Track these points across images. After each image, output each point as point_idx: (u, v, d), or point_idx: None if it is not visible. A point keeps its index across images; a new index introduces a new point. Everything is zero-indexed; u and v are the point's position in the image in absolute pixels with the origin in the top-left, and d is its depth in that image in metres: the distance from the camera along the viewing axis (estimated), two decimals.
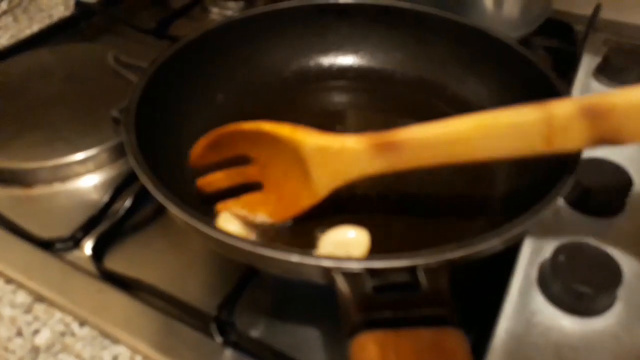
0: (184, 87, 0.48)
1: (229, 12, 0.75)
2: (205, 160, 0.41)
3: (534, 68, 0.45)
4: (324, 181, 0.38)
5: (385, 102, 0.52)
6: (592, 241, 0.41)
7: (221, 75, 0.51)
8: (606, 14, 0.64)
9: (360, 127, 0.48)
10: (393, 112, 0.52)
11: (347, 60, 0.54)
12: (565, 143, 0.34)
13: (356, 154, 0.37)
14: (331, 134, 0.38)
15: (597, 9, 0.63)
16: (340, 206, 0.41)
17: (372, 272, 0.29)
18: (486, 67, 0.49)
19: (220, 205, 0.41)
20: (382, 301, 0.28)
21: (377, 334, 0.27)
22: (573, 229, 0.43)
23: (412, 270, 0.30)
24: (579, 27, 0.65)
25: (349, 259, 0.30)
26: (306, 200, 0.39)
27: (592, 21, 0.62)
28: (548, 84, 0.43)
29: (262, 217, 0.41)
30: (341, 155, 0.37)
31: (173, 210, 0.33)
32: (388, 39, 0.53)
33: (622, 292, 0.38)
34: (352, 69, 0.54)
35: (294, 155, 0.38)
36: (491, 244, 0.31)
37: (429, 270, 0.30)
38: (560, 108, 0.33)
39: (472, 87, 0.49)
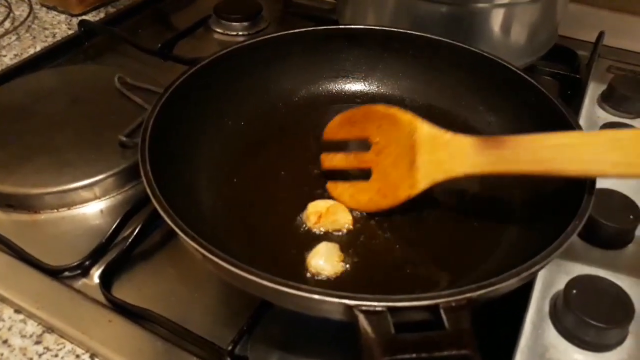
0: (194, 114, 0.48)
1: (232, 33, 0.75)
2: (337, 135, 0.46)
3: (544, 98, 0.45)
4: (427, 170, 0.40)
5: None
6: (604, 273, 0.41)
7: (231, 101, 0.51)
8: (609, 40, 0.65)
9: (367, 150, 0.49)
10: None
11: (356, 86, 0.54)
12: None
13: (463, 146, 0.39)
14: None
15: (601, 35, 0.64)
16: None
17: (393, 310, 0.29)
18: (496, 95, 0.49)
19: (330, 184, 0.45)
20: (406, 341, 0.28)
21: None
22: (584, 260, 0.43)
23: (434, 308, 0.30)
24: (582, 52, 0.66)
25: (370, 298, 0.30)
26: (405, 191, 0.41)
27: (596, 48, 0.62)
28: (558, 113, 0.44)
29: (359, 205, 0.43)
30: (449, 145, 0.40)
31: (196, 248, 0.32)
32: (397, 66, 0.53)
33: (633, 327, 0.38)
34: (361, 94, 0.54)
35: (408, 141, 0.41)
36: (510, 283, 0.31)
37: (451, 309, 0.30)
38: None
39: (483, 116, 0.50)
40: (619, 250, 0.44)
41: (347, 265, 0.39)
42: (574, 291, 0.38)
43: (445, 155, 0.40)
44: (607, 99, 0.57)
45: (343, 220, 0.42)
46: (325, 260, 0.38)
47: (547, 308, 0.40)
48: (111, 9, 0.80)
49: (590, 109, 0.57)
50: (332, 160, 0.46)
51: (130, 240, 0.46)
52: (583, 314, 0.37)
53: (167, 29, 0.77)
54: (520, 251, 0.38)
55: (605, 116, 0.56)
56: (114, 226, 0.47)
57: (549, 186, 0.41)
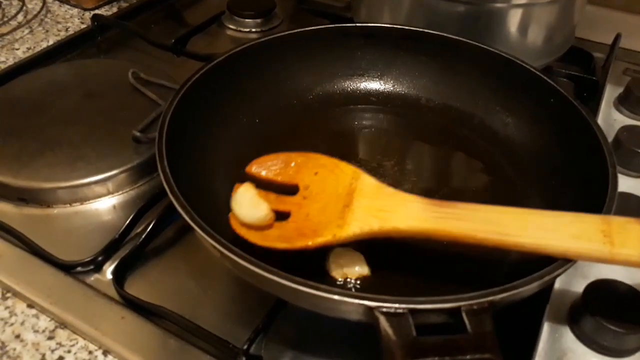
0: (210, 111, 0.47)
1: (245, 29, 0.75)
2: (262, 173, 0.42)
3: (563, 100, 0.45)
4: (362, 215, 0.36)
5: (409, 127, 0.52)
6: (622, 276, 0.41)
7: (246, 98, 0.50)
8: (625, 42, 0.65)
9: (383, 151, 0.49)
10: (417, 137, 0.52)
11: (371, 84, 0.54)
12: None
13: (408, 200, 0.36)
14: None
15: (617, 38, 0.63)
16: None
17: (414, 312, 0.29)
18: (514, 96, 0.49)
19: (232, 215, 0.39)
20: (428, 344, 0.28)
21: None
22: (601, 265, 0.42)
23: (456, 311, 0.29)
24: (598, 54, 0.66)
25: (392, 299, 0.29)
26: (331, 230, 0.36)
27: (613, 50, 0.62)
28: (577, 115, 0.43)
29: (265, 241, 0.38)
30: (393, 197, 0.37)
31: (215, 246, 0.32)
32: (413, 65, 0.53)
33: None
34: (376, 93, 0.54)
35: (346, 188, 0.38)
36: (532, 286, 0.31)
37: (473, 312, 0.29)
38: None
39: (500, 116, 0.49)
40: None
41: (366, 269, 0.39)
42: (593, 296, 0.38)
43: (386, 205, 0.36)
44: (623, 102, 0.57)
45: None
46: (343, 262, 0.38)
47: (565, 312, 0.40)
48: (124, 4, 0.80)
49: (607, 111, 0.57)
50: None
51: (143, 236, 0.45)
52: (602, 319, 0.37)
53: (179, 25, 0.77)
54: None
55: (622, 119, 0.56)
56: (127, 222, 0.46)
57: (568, 191, 0.41)
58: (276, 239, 0.37)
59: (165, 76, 0.60)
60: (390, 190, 0.37)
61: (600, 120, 0.55)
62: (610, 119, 0.56)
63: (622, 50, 0.64)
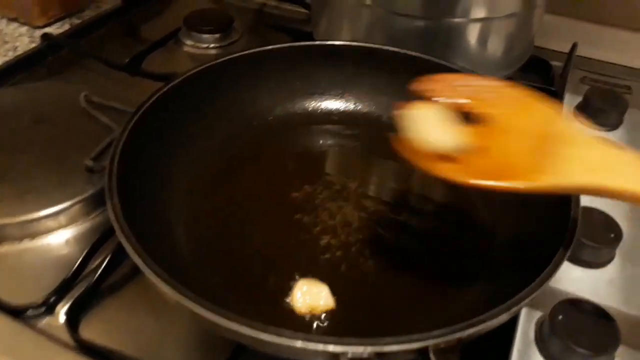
0: (166, 136, 0.46)
1: (203, 45, 0.73)
2: (436, 91, 0.35)
3: None
4: (569, 165, 0.30)
5: (372, 146, 0.51)
6: (588, 293, 0.41)
7: (204, 120, 0.49)
8: (583, 51, 0.65)
9: (346, 172, 0.48)
10: (380, 156, 0.51)
11: (333, 103, 0.53)
12: None
13: (625, 156, 0.30)
14: None
15: (574, 46, 0.64)
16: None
17: (381, 355, 0.28)
18: None
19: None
20: None
21: None
22: (566, 281, 0.42)
23: (423, 350, 0.28)
24: (555, 63, 0.66)
25: (357, 342, 0.28)
26: (529, 177, 0.31)
27: (570, 59, 0.62)
28: None
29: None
30: (609, 149, 0.31)
31: (172, 295, 0.30)
32: (374, 83, 0.52)
33: (620, 353, 0.37)
34: (338, 112, 0.53)
35: (544, 128, 0.32)
36: (500, 319, 0.30)
37: (441, 350, 0.28)
38: None
39: None
40: (600, 270, 0.43)
41: (331, 301, 0.38)
42: (560, 317, 0.37)
43: (599, 157, 0.30)
44: (582, 112, 0.57)
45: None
46: (308, 297, 0.37)
47: (532, 333, 0.39)
48: (76, 21, 0.77)
49: None
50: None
51: (98, 273, 0.43)
52: (569, 340, 0.36)
53: (135, 42, 0.74)
54: (506, 280, 0.37)
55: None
56: (80, 258, 0.44)
57: (531, 215, 0.40)
58: (473, 172, 0.32)
59: (119, 98, 0.57)
60: (602, 139, 0.31)
61: None
62: None
63: (579, 59, 0.65)
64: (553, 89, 0.60)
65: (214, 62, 0.49)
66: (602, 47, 0.67)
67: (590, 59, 0.67)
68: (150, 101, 0.44)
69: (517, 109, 0.34)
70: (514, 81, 0.61)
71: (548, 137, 0.32)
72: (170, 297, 0.31)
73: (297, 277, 0.39)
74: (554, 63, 0.66)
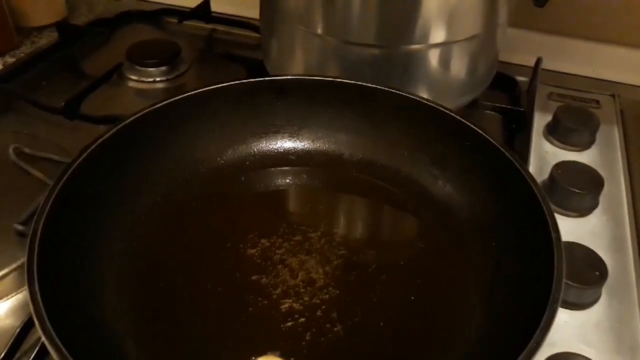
0: (100, 197, 0.41)
1: (149, 79, 0.68)
2: None
3: (489, 145, 0.42)
4: None
5: (334, 188, 0.48)
6: (574, 339, 0.38)
7: (145, 171, 0.44)
8: (547, 64, 0.63)
9: (307, 219, 0.44)
10: (343, 198, 0.47)
11: (288, 142, 0.49)
12: None
13: None
14: None
15: (539, 61, 0.61)
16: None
17: None
18: (439, 145, 0.45)
19: None
20: None
21: None
22: (554, 328, 0.39)
23: None
24: (520, 78, 0.64)
25: None
26: None
27: (535, 75, 0.60)
28: (505, 161, 0.40)
29: None
30: None
31: None
32: (331, 118, 0.48)
33: None
34: (295, 151, 0.49)
35: None
36: None
37: None
38: None
39: (427, 168, 0.45)
40: (587, 311, 0.40)
41: None
42: None
43: None
44: (553, 132, 0.54)
45: None
46: None
47: None
48: (9, 59, 0.71)
49: (538, 142, 0.54)
50: None
51: (33, 354, 0.38)
52: None
53: (77, 78, 0.68)
54: (491, 336, 0.33)
55: (553, 150, 0.53)
56: (12, 339, 0.39)
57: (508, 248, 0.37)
58: None
59: (55, 148, 0.53)
60: None
61: (533, 153, 0.52)
62: (542, 151, 0.53)
63: (544, 73, 0.62)
64: (521, 109, 0.57)
65: (151, 108, 0.44)
66: (567, 59, 0.65)
67: (555, 72, 0.65)
68: (78, 161, 0.39)
69: None
70: (478, 104, 0.60)
71: None
72: None
73: (258, 352, 0.34)
74: (519, 78, 0.63)
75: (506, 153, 0.40)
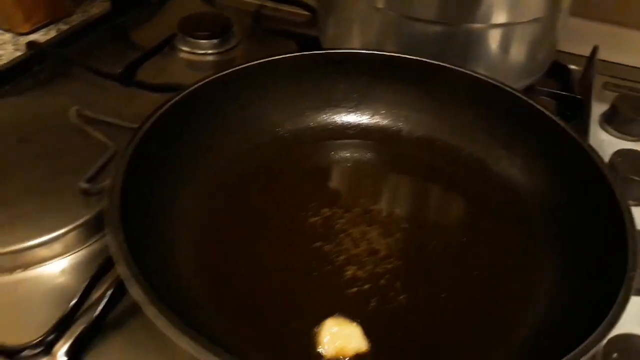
0: (168, 157, 0.42)
1: (200, 51, 0.68)
2: None
3: (554, 126, 0.42)
4: None
5: (391, 164, 0.48)
6: None
7: (210, 138, 0.45)
8: (603, 54, 0.62)
9: (366, 193, 0.45)
10: (401, 175, 0.48)
11: (347, 117, 0.49)
12: None
13: None
14: None
15: (595, 50, 0.61)
16: None
17: None
18: (503, 125, 0.45)
19: None
20: None
21: None
22: None
23: None
24: (574, 66, 0.63)
25: None
26: None
27: (591, 65, 0.59)
28: (574, 147, 0.40)
29: None
30: None
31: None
32: (392, 94, 0.49)
33: None
34: (353, 126, 0.49)
35: None
36: None
37: None
38: None
39: (490, 149, 0.46)
40: None
41: (365, 342, 0.34)
42: (615, 354, 0.34)
43: None
44: (610, 121, 0.54)
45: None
46: (339, 340, 0.33)
47: None
48: (63, 27, 0.72)
49: (594, 131, 0.54)
50: None
51: (100, 307, 0.39)
52: None
53: (128, 48, 0.69)
54: (561, 314, 0.34)
55: (609, 139, 0.53)
56: (80, 292, 0.40)
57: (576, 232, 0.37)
58: None
59: (113, 112, 0.53)
60: None
61: (590, 142, 0.52)
62: (599, 139, 0.53)
63: (599, 63, 0.62)
64: (578, 96, 0.57)
65: (218, 75, 0.45)
66: (624, 50, 0.64)
67: (611, 62, 0.65)
68: (152, 119, 0.40)
69: None
70: (534, 90, 0.59)
71: None
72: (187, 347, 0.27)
73: (323, 316, 0.35)
74: (572, 67, 0.63)
75: (575, 137, 0.40)
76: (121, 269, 0.31)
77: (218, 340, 0.28)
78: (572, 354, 0.27)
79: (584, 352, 0.27)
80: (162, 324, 0.28)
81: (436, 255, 0.40)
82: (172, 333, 0.28)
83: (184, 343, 0.27)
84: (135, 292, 0.29)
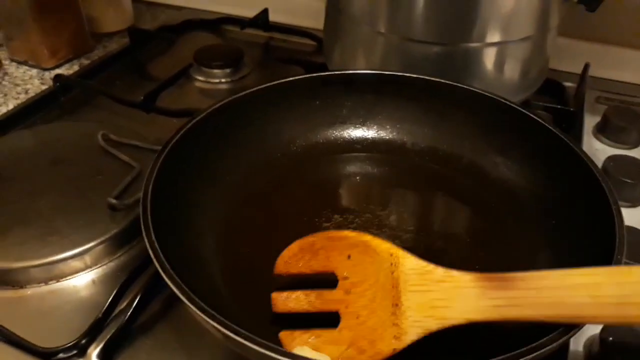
0: (192, 173, 0.45)
1: (215, 80, 0.73)
2: (292, 269, 0.37)
3: (551, 136, 0.45)
4: (417, 317, 0.32)
5: (397, 173, 0.51)
6: None
7: (228, 155, 0.49)
8: (594, 71, 0.66)
9: (375, 200, 0.48)
10: (407, 183, 0.51)
11: (354, 132, 0.53)
12: None
13: (461, 285, 0.32)
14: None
15: (587, 67, 0.64)
16: None
17: None
18: (500, 134, 0.49)
19: (284, 334, 0.35)
20: None
21: None
22: None
23: None
24: (567, 84, 0.67)
25: None
26: (389, 344, 0.32)
27: (584, 79, 0.63)
28: (568, 152, 0.43)
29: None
30: (443, 284, 0.32)
31: (221, 331, 0.30)
32: (395, 109, 0.52)
33: None
34: (360, 140, 0.53)
35: (388, 277, 0.33)
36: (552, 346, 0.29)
37: None
38: None
39: (489, 156, 0.49)
40: None
41: None
42: (610, 338, 0.37)
43: (439, 297, 0.32)
44: (602, 131, 0.57)
45: None
46: None
47: (582, 354, 0.38)
48: (85, 62, 0.77)
49: (588, 141, 0.57)
50: (287, 303, 0.36)
51: (129, 312, 0.42)
52: None
53: (144, 79, 0.74)
54: None
55: (602, 148, 0.56)
56: (110, 298, 0.43)
57: (570, 231, 0.40)
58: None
59: (137, 136, 0.57)
60: (438, 273, 0.33)
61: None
62: (592, 148, 0.56)
63: (591, 79, 0.66)
64: (571, 109, 0.60)
65: (236, 96, 0.49)
66: (614, 66, 0.68)
67: (602, 78, 0.68)
68: (177, 136, 0.44)
69: (357, 256, 0.35)
70: (530, 104, 0.63)
71: (394, 287, 0.33)
72: (219, 333, 0.30)
73: None
74: (567, 84, 0.67)
75: (567, 140, 0.43)
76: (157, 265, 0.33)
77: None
78: (566, 336, 0.30)
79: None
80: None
81: (441, 253, 0.43)
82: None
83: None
84: (170, 282, 0.32)
